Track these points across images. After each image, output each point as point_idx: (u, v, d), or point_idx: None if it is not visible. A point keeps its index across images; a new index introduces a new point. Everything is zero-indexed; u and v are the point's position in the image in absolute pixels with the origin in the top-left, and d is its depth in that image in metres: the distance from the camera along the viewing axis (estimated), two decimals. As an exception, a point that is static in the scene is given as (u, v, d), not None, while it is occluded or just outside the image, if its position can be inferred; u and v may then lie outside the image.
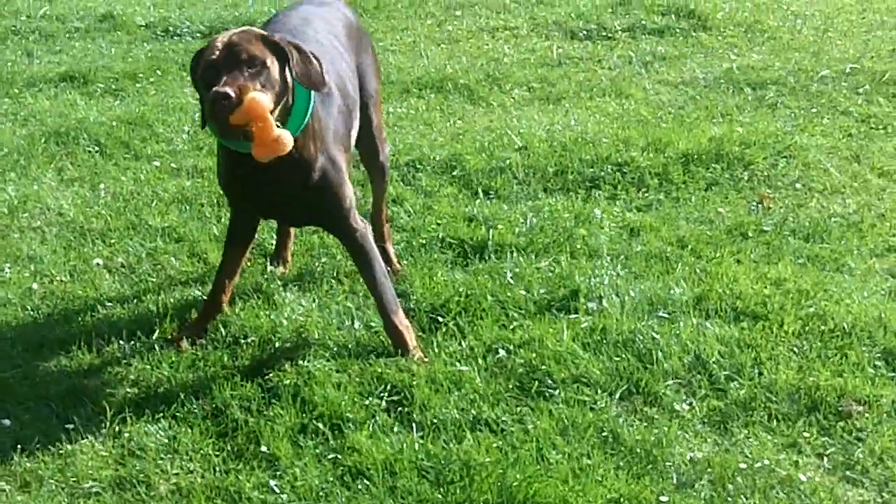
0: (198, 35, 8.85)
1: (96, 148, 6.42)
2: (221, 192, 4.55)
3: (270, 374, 4.10)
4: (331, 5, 4.77)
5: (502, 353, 4.18)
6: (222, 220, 5.32)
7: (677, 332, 4.28)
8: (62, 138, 6.54)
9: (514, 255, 4.94)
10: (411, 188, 5.79)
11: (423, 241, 5.13)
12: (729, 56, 8.02)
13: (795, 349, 4.20)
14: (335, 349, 4.24)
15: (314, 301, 4.63)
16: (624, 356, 4.13)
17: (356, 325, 4.42)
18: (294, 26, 4.41)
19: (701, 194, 5.67)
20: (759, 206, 5.55)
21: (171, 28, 9.11)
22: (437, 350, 4.21)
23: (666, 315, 4.42)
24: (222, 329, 4.42)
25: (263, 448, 3.71)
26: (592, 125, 6.59)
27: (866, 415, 3.82)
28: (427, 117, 6.93)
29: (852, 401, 3.88)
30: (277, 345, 4.30)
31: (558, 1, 9.68)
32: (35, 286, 4.82)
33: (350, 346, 4.27)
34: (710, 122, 6.65)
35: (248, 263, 4.98)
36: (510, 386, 3.99)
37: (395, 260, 4.89)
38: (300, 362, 4.14)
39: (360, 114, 4.62)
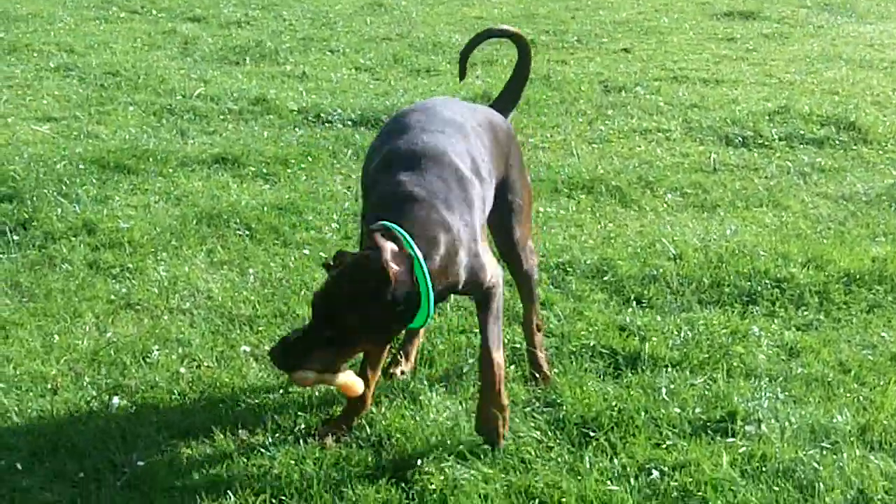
0: (349, 123, 8.91)
1: (246, 232, 6.45)
2: None
3: (415, 479, 4.00)
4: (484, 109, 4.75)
5: (656, 474, 4.01)
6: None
7: (840, 463, 4.07)
8: (213, 220, 6.58)
9: (669, 369, 4.78)
10: (560, 292, 5.66)
11: (574, 349, 5.00)
12: (891, 172, 7.74)
13: (969, 491, 3.96)
14: (482, 456, 4.13)
15: (461, 404, 4.53)
16: (784, 486, 3.93)
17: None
18: (428, 107, 4.50)
19: (863, 316, 5.43)
20: (925, 333, 5.31)
21: (322, 115, 9.14)
22: (588, 467, 4.06)
23: (828, 445, 4.21)
24: (367, 428, 4.34)
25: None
26: (749, 237, 6.39)
27: None
28: (577, 218, 6.81)
29: None
30: (423, 448, 4.20)
31: (713, 105, 9.52)
32: (183, 370, 4.82)
33: (497, 453, 4.15)
34: (872, 240, 6.40)
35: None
36: (664, 511, 3.83)
37: (545, 367, 4.76)
38: (446, 469, 4.03)
39: (504, 224, 4.62)
